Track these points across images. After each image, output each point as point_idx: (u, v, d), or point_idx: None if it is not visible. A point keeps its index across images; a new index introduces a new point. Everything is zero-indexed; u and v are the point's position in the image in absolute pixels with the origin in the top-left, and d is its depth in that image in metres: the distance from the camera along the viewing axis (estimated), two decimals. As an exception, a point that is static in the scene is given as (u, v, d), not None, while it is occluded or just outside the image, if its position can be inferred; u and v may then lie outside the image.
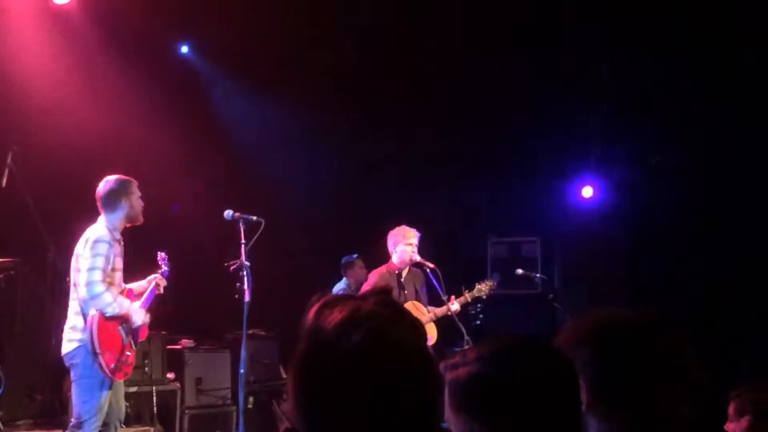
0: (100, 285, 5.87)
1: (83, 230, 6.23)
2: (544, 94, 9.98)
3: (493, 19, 9.55)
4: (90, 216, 6.37)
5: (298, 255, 10.13)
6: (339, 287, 9.44)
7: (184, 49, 10.50)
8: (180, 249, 9.33)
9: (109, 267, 5.99)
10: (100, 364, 5.88)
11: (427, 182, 10.52)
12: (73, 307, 6.02)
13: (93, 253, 5.91)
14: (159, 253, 6.69)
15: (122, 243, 6.21)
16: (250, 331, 8.92)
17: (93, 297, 5.86)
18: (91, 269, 5.89)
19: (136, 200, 6.26)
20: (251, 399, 9.21)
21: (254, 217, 6.67)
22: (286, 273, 9.62)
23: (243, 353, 6.59)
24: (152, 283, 6.48)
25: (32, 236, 7.75)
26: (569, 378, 1.96)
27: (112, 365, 5.95)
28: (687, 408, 2.30)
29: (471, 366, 1.92)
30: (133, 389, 8.46)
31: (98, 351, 5.85)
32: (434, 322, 7.77)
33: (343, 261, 9.65)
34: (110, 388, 6.02)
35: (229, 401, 9.12)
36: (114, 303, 5.95)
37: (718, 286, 9.38)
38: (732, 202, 9.46)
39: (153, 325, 8.80)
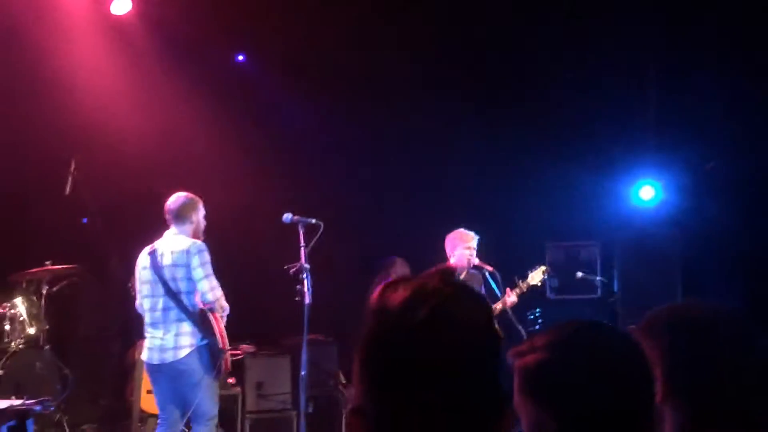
0: (220, 289, 6.37)
1: (145, 237, 6.47)
2: (597, 95, 9.91)
3: (546, 26, 9.53)
4: (150, 223, 6.55)
5: (356, 259, 10.14)
6: None
7: (240, 57, 10.58)
8: (240, 253, 9.43)
9: None
10: (226, 360, 6.40)
11: (483, 186, 10.48)
12: (172, 315, 6.36)
13: (202, 261, 6.35)
14: None
15: None
16: (311, 337, 8.95)
17: (216, 300, 6.33)
18: (208, 276, 6.34)
19: (202, 218, 6.63)
20: (311, 404, 9.24)
21: (313, 220, 6.69)
22: (345, 277, 9.63)
23: (304, 356, 6.62)
24: None
25: (95, 243, 7.87)
26: (642, 363, 1.92)
27: (227, 359, 6.46)
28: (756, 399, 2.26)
29: (540, 353, 1.89)
30: (195, 394, 8.54)
31: (226, 348, 6.40)
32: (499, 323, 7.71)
33: (384, 262, 9.64)
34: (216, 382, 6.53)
35: (289, 406, 9.15)
36: (227, 307, 6.49)
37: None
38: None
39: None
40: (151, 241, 6.60)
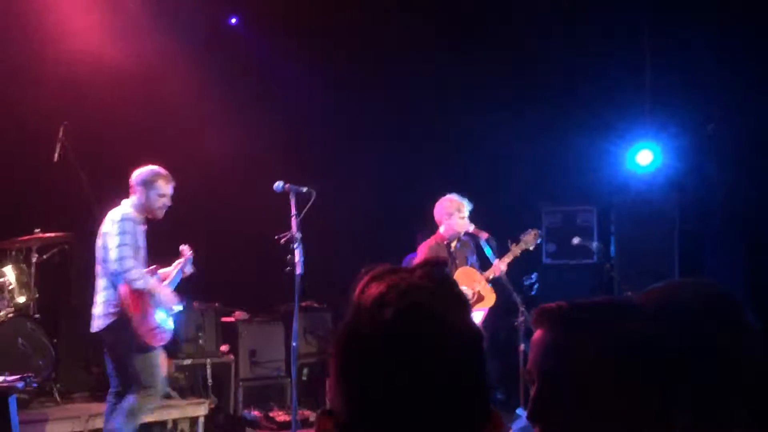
0: (130, 260, 6.10)
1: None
2: (592, 58, 9.79)
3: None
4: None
5: (352, 226, 10.05)
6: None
7: (233, 20, 10.43)
8: (233, 220, 9.34)
9: (135, 244, 6.21)
10: (134, 330, 6.09)
11: (478, 152, 10.37)
12: (101, 283, 6.26)
13: (120, 230, 6.15)
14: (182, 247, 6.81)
15: (146, 225, 6.40)
16: (305, 304, 8.88)
17: (124, 270, 6.06)
18: (120, 245, 6.11)
19: (154, 196, 6.39)
20: (305, 371, 9.20)
21: (305, 188, 6.57)
22: (341, 244, 9.54)
23: (294, 326, 6.52)
24: (178, 267, 6.72)
25: (84, 211, 7.76)
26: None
27: (141, 330, 6.13)
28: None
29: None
30: (188, 362, 8.51)
31: (130, 317, 6.08)
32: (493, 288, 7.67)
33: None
34: (145, 352, 6.19)
35: (283, 373, 9.12)
36: (141, 278, 6.15)
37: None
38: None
39: (206, 297, 8.86)
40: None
